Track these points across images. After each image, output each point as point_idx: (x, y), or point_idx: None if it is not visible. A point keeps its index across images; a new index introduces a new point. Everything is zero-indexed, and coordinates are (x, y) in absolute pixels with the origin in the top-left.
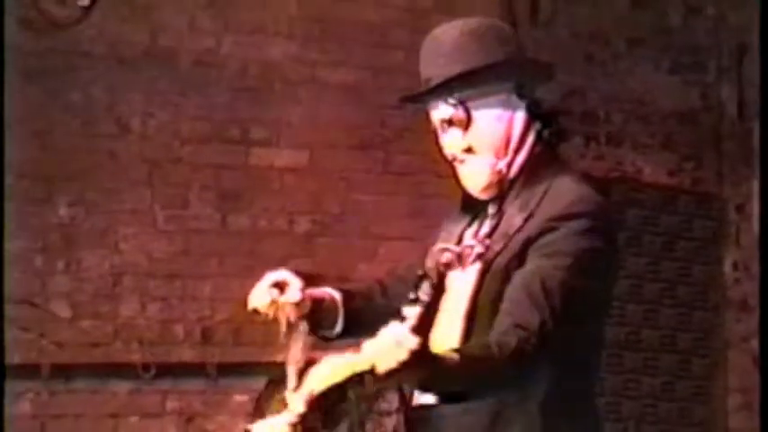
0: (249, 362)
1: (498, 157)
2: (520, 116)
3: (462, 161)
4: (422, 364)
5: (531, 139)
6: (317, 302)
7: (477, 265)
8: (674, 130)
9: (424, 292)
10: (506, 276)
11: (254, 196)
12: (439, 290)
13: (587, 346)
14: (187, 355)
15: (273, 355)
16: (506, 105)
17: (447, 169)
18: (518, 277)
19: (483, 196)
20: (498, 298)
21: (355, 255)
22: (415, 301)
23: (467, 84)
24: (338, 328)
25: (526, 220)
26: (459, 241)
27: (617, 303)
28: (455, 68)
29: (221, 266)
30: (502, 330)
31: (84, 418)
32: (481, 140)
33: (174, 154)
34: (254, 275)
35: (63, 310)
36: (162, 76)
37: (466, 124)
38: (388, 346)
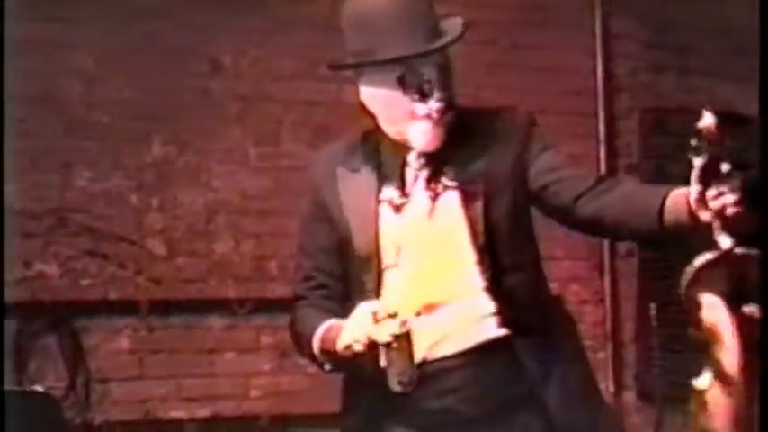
0: None
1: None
2: None
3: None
4: None
5: None
6: None
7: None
8: None
9: None
10: (511, 200)
11: (345, 132)
12: None
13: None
14: (281, 290)
15: None
16: None
17: None
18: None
19: (430, 148)
20: (509, 215)
21: None
22: None
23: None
24: None
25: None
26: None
27: None
28: (454, 29)
29: None
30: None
31: (180, 354)
32: (451, 95)
33: (265, 91)
34: None
35: (158, 248)
36: (253, 14)
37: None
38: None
